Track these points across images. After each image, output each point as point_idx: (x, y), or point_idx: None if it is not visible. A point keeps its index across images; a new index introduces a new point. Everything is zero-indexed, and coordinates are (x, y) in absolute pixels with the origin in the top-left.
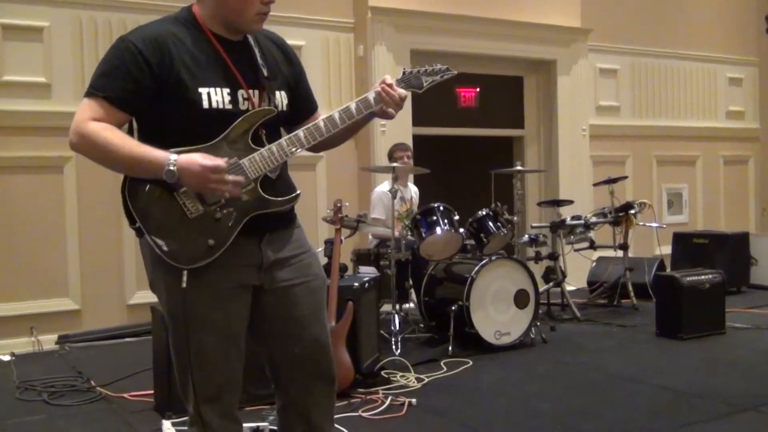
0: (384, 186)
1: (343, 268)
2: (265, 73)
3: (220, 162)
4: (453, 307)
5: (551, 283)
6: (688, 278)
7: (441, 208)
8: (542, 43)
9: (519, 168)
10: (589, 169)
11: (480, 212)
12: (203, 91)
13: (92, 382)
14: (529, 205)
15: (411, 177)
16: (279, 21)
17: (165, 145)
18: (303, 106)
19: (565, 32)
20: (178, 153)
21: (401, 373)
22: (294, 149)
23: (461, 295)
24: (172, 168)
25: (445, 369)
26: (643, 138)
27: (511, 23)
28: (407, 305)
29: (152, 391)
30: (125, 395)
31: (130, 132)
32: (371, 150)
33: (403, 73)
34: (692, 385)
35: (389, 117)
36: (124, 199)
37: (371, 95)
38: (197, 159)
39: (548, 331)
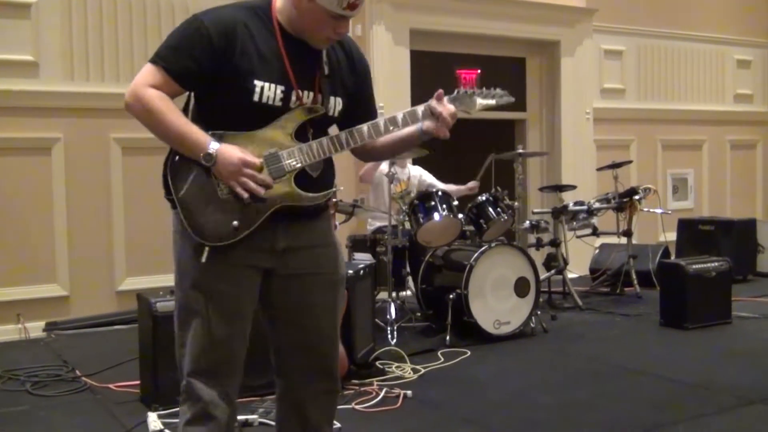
0: (383, 170)
1: None
2: (326, 74)
3: (256, 160)
4: (451, 296)
5: (552, 271)
6: (693, 266)
7: (439, 193)
8: (546, 23)
9: (520, 151)
10: (592, 153)
11: (480, 197)
12: (258, 84)
13: (77, 372)
14: (531, 191)
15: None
16: None
17: (210, 125)
18: (361, 115)
19: (570, 12)
20: (220, 140)
21: (397, 364)
22: (334, 149)
23: (459, 283)
24: (211, 152)
25: (443, 359)
26: (648, 122)
27: (513, 2)
28: (404, 293)
29: (138, 382)
30: (111, 386)
31: (186, 105)
32: None
33: (456, 92)
34: (697, 376)
35: (441, 136)
36: (165, 170)
37: (420, 108)
38: (236, 151)
39: (549, 320)
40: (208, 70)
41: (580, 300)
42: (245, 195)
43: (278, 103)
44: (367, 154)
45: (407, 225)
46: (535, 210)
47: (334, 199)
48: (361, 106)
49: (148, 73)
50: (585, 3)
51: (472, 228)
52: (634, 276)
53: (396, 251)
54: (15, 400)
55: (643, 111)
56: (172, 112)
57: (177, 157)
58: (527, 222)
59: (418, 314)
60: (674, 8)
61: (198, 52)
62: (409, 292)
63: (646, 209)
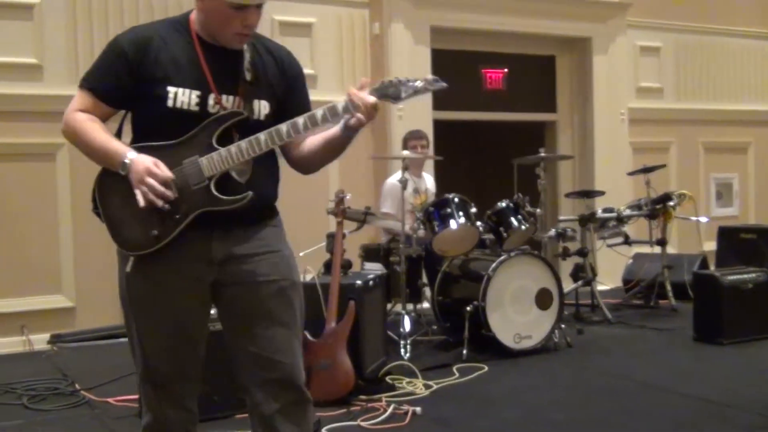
0: (396, 176)
1: (347, 265)
2: (249, 80)
3: (163, 172)
4: (468, 308)
5: (580, 282)
6: (729, 277)
7: (456, 199)
8: (576, 18)
9: (542, 155)
10: (628, 157)
11: (500, 204)
12: (171, 90)
13: (76, 386)
14: (561, 197)
15: (429, 166)
16: None
17: (139, 139)
18: (292, 118)
19: (602, 6)
20: (139, 150)
21: (408, 379)
22: (253, 151)
23: (477, 295)
24: (126, 161)
25: (458, 375)
26: (688, 123)
27: None
28: (421, 305)
29: (137, 396)
30: (110, 400)
31: (120, 126)
32: (388, 137)
33: (381, 82)
34: (727, 394)
35: (358, 125)
36: (94, 184)
37: (340, 103)
38: (147, 161)
39: (575, 334)
40: (129, 85)
41: (610, 313)
42: (141, 202)
43: (194, 108)
44: (302, 162)
45: (421, 233)
46: (561, 217)
47: (342, 206)
48: (293, 109)
49: (77, 98)
50: None
51: (491, 236)
52: (668, 288)
53: (411, 261)
54: (10, 414)
55: (682, 111)
56: (96, 130)
57: (103, 172)
58: (553, 230)
59: (435, 327)
60: (715, 1)
61: (117, 68)
62: (426, 305)
63: (681, 216)
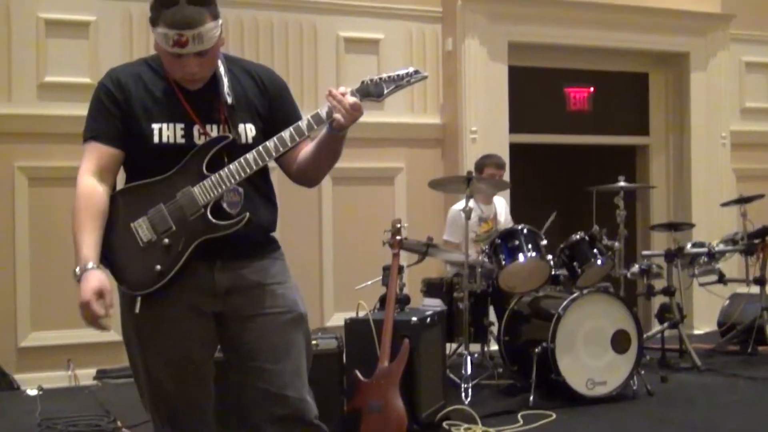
0: (461, 204)
1: (404, 300)
2: (230, 104)
3: (97, 311)
4: (537, 350)
5: (666, 324)
6: None
7: (525, 230)
8: (672, 32)
9: (621, 184)
10: (730, 185)
11: (574, 236)
12: (155, 126)
13: (118, 423)
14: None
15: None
16: (353, 11)
17: (133, 180)
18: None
19: (701, 19)
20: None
21: (467, 426)
22: (243, 171)
23: (546, 335)
24: (78, 273)
25: (522, 422)
26: None
27: (633, 8)
28: (486, 346)
29: None
30: None
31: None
32: (460, 160)
33: (362, 82)
34: None
35: (341, 126)
36: None
37: (323, 109)
38: (90, 288)
39: (657, 381)
40: (123, 122)
41: (699, 359)
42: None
43: (181, 141)
44: (301, 175)
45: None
46: (645, 252)
47: (398, 237)
48: (281, 124)
49: (85, 156)
50: (720, 8)
51: (564, 272)
52: None
53: (476, 297)
54: None
55: None
56: (84, 213)
57: None
58: (636, 266)
59: (501, 370)
60: None
61: (110, 108)
62: (492, 346)
63: None
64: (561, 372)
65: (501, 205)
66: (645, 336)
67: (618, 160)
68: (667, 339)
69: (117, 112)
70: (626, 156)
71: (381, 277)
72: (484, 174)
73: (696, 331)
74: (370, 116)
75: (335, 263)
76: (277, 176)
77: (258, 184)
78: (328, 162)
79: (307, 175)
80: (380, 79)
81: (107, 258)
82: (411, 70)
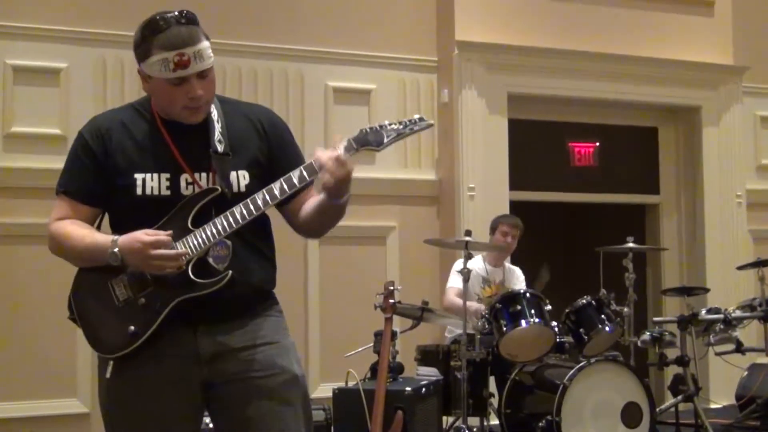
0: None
1: (398, 368)
2: (221, 151)
3: (161, 236)
4: (541, 423)
5: (680, 397)
6: None
7: (527, 294)
8: (682, 84)
9: (631, 245)
10: (747, 247)
11: (580, 301)
12: (138, 177)
13: None
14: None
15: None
16: (343, 60)
17: (115, 233)
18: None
19: (713, 71)
20: (122, 234)
21: None
22: (228, 226)
23: (551, 408)
24: (114, 250)
25: None
26: None
27: (640, 60)
28: (486, 420)
29: None
30: None
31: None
32: (456, 218)
33: (360, 131)
34: None
35: (329, 189)
36: (70, 292)
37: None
38: (138, 235)
39: None
40: (99, 178)
41: None
42: (167, 270)
43: (166, 192)
44: (303, 229)
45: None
46: (656, 318)
47: (391, 300)
48: (283, 171)
49: (55, 206)
50: (732, 59)
51: (570, 339)
52: None
53: (475, 366)
54: None
55: None
56: (76, 229)
57: (79, 273)
58: (647, 334)
59: None
60: None
61: (85, 163)
62: (495, 419)
63: None
64: None
65: (515, 276)
66: (657, 409)
67: (626, 219)
68: (681, 413)
69: (92, 166)
70: (635, 215)
71: (372, 344)
72: (497, 233)
73: (713, 405)
74: (360, 171)
75: (322, 329)
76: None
77: (249, 237)
78: (330, 222)
79: (310, 231)
80: (380, 126)
81: (81, 317)
82: (415, 117)
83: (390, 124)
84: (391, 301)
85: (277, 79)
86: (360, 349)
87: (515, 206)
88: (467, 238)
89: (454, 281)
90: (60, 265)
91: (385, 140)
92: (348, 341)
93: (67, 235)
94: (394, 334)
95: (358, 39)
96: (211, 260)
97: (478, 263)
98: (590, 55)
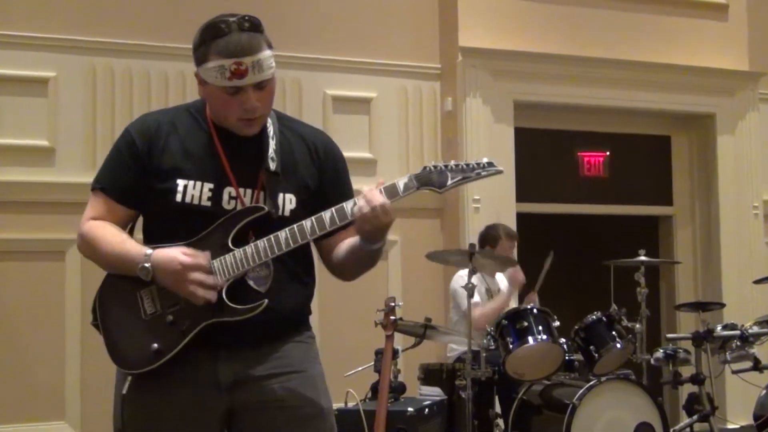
0: (461, 277)
1: (400, 388)
2: (273, 170)
3: (200, 259)
4: None
5: (695, 416)
6: None
7: (535, 311)
8: (696, 91)
9: (643, 258)
10: (764, 260)
11: (590, 317)
12: (181, 183)
13: None
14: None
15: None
16: (343, 67)
17: (150, 241)
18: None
19: (728, 77)
20: (155, 248)
21: None
22: (272, 252)
23: (559, 429)
24: (146, 265)
25: None
26: None
27: (652, 66)
28: None
29: None
30: None
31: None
32: (461, 231)
33: (424, 168)
34: None
35: (364, 233)
36: (97, 292)
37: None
38: (177, 256)
39: None
40: (141, 180)
41: None
42: (199, 301)
43: (206, 203)
44: (337, 269)
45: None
46: (670, 335)
47: (392, 317)
48: (328, 204)
49: (89, 205)
50: (748, 65)
51: (579, 357)
52: None
53: (480, 386)
54: None
55: None
56: (110, 234)
57: (108, 277)
58: (660, 351)
59: None
60: None
61: (127, 161)
62: None
63: None
64: None
65: (504, 283)
66: (672, 430)
67: (638, 231)
68: None
69: (134, 166)
70: (647, 227)
71: (373, 363)
72: (501, 244)
73: (729, 425)
74: (359, 182)
75: (321, 346)
76: None
77: (289, 263)
78: (362, 266)
79: (344, 274)
80: (445, 166)
81: (104, 325)
82: (484, 161)
83: (457, 165)
84: (393, 317)
85: None
86: (360, 368)
87: (522, 218)
88: (473, 251)
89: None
90: (48, 283)
91: (449, 183)
92: (348, 360)
93: (98, 239)
94: (395, 353)
95: (357, 45)
96: (251, 282)
97: (476, 277)
98: (600, 61)
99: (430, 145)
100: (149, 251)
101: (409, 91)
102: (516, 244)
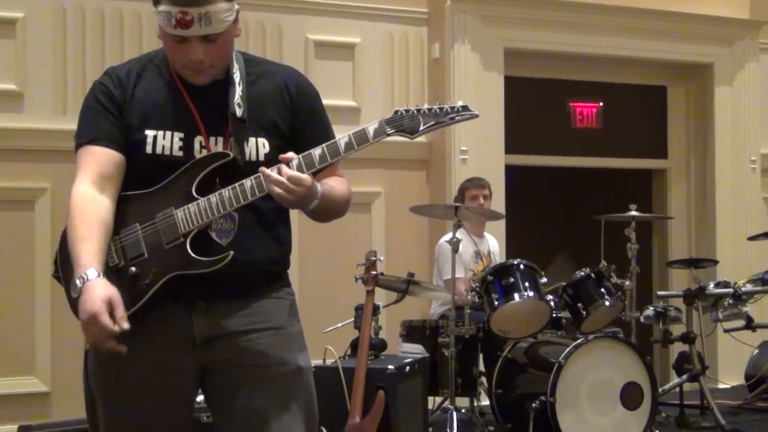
0: (450, 236)
1: (380, 345)
2: (239, 116)
3: (110, 326)
4: (533, 404)
5: (685, 377)
6: None
7: (521, 266)
8: (693, 40)
9: (633, 213)
10: (760, 216)
11: (578, 273)
12: (150, 133)
13: None
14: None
15: (500, 228)
16: (325, 11)
17: (124, 189)
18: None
19: (727, 25)
20: (99, 274)
21: None
22: (236, 201)
23: (545, 388)
24: (77, 283)
25: None
26: None
27: (648, 13)
28: (476, 400)
29: None
30: None
31: None
32: (447, 185)
33: (395, 112)
34: None
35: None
36: (59, 245)
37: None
38: (97, 304)
39: None
40: (123, 126)
41: (723, 418)
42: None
43: (178, 153)
44: (310, 215)
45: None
46: (661, 292)
47: (373, 272)
48: (311, 142)
49: (78, 164)
50: (748, 13)
51: (567, 315)
52: None
53: (464, 343)
54: None
55: None
56: (79, 222)
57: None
58: (651, 309)
59: (491, 428)
60: None
61: (110, 108)
62: (485, 400)
63: None
64: (562, 431)
65: (494, 244)
66: (660, 390)
67: (631, 185)
68: (686, 393)
69: (115, 111)
70: (640, 181)
71: (353, 319)
72: (466, 199)
73: (720, 385)
74: (342, 132)
75: (299, 302)
76: None
77: (260, 212)
78: (326, 218)
79: (315, 219)
80: (417, 110)
81: (65, 276)
82: (459, 104)
83: (430, 109)
84: (374, 272)
85: (253, 32)
86: (340, 325)
87: (511, 171)
88: (457, 204)
89: (443, 272)
90: (17, 234)
91: (421, 128)
92: (327, 315)
93: (72, 217)
94: (376, 309)
95: None
96: (213, 234)
97: (463, 235)
98: (594, 7)
99: (417, 94)
100: (88, 275)
101: (395, 37)
102: (489, 193)
